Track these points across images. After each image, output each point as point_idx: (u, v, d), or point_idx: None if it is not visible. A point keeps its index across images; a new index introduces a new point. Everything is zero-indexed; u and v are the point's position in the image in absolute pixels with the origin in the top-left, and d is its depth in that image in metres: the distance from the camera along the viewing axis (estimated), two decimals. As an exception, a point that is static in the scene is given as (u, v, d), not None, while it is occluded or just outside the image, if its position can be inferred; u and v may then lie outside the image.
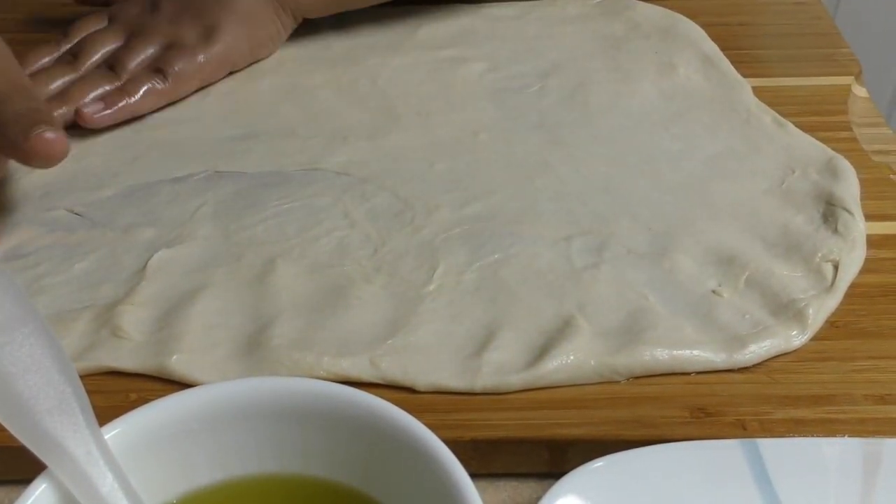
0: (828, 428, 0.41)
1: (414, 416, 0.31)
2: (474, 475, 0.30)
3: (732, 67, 0.64)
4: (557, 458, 0.41)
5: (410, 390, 0.43)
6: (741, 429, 0.41)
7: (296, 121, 0.60)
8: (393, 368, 0.43)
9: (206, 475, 0.32)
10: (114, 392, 0.43)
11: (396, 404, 0.32)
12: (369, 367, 0.43)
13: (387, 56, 0.66)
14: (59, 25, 0.66)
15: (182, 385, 0.43)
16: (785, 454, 0.38)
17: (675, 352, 0.44)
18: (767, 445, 0.38)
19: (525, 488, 0.41)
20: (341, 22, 0.69)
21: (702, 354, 0.44)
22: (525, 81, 0.63)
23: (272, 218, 0.52)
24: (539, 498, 0.36)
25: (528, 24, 0.69)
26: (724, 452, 0.38)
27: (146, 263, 0.49)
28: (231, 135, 0.58)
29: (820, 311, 0.46)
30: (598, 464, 0.37)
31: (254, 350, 0.44)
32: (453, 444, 0.30)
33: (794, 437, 0.41)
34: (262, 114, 0.60)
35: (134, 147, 0.58)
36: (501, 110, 0.60)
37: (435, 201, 0.53)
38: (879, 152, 0.56)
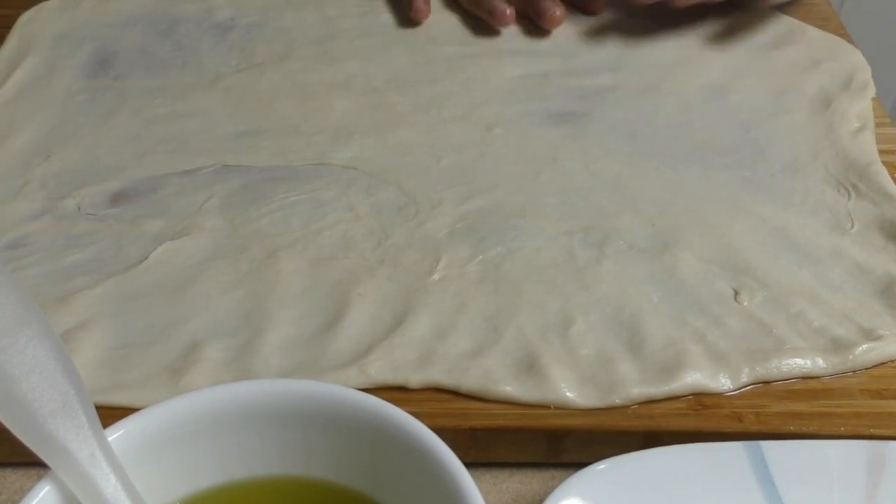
0: (824, 422, 0.42)
1: (412, 405, 0.31)
2: (473, 465, 0.30)
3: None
4: (555, 447, 0.42)
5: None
6: (737, 421, 0.41)
7: (304, 116, 0.59)
8: (384, 373, 0.43)
9: (209, 477, 0.32)
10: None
11: (395, 394, 0.31)
12: (358, 374, 0.43)
13: (404, 49, 0.66)
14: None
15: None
16: (788, 456, 0.38)
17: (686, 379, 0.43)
18: (771, 448, 0.38)
19: (528, 490, 0.41)
20: (355, 17, 0.69)
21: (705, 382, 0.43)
22: (560, 74, 0.63)
23: (278, 211, 0.52)
24: (543, 498, 0.36)
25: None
26: (728, 455, 0.38)
27: (149, 255, 0.49)
28: (238, 130, 0.58)
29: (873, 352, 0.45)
30: (602, 466, 0.37)
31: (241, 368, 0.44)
32: (451, 433, 0.30)
33: (790, 429, 0.41)
34: (269, 109, 0.60)
35: (142, 141, 0.57)
36: (520, 104, 0.60)
37: (439, 196, 0.53)
38: (885, 152, 0.56)
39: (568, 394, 0.42)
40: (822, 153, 0.56)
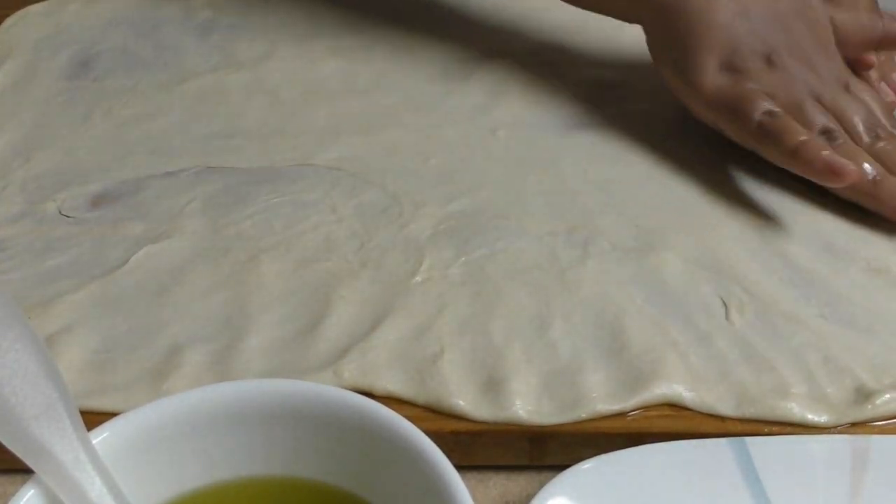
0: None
1: (394, 408, 0.31)
2: (457, 468, 0.30)
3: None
4: (538, 450, 0.41)
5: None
6: (719, 421, 0.41)
7: (288, 116, 0.59)
8: (356, 376, 0.43)
9: (195, 478, 0.32)
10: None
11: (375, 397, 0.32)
12: (332, 377, 0.42)
13: (393, 49, 0.66)
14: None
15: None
16: (773, 452, 0.38)
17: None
18: (756, 444, 0.39)
19: (515, 486, 0.41)
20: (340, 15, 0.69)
21: (706, 404, 0.42)
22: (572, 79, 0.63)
23: (260, 213, 0.51)
24: (529, 495, 0.36)
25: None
26: (713, 451, 0.38)
27: (129, 258, 0.49)
28: (221, 131, 0.58)
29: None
30: (588, 464, 0.37)
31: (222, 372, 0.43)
32: (434, 436, 0.30)
33: (773, 430, 0.41)
34: (252, 110, 0.60)
35: (124, 142, 0.57)
36: (532, 107, 0.60)
37: (423, 196, 0.53)
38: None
39: (521, 412, 0.41)
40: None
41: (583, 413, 0.41)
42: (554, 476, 0.37)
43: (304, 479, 0.32)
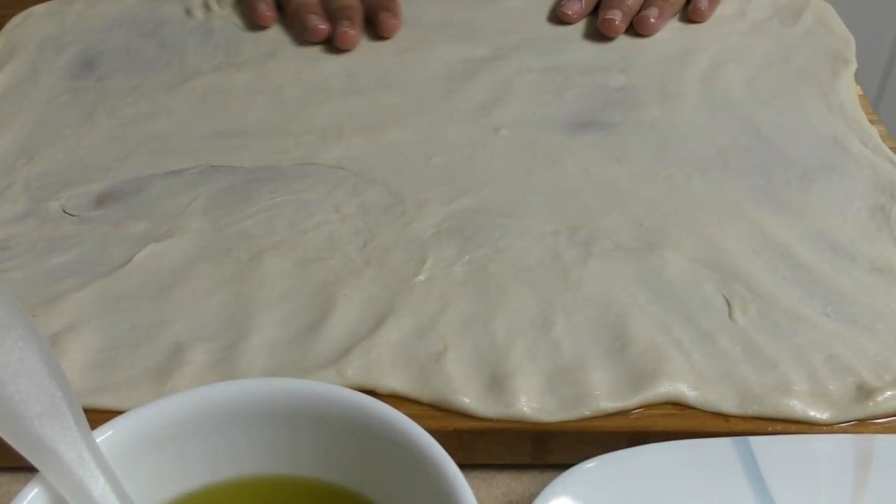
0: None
1: (398, 407, 0.31)
2: (460, 466, 0.30)
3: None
4: (540, 448, 0.42)
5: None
6: (723, 420, 0.41)
7: (291, 116, 0.59)
8: (360, 375, 0.43)
9: (198, 477, 0.32)
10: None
11: (378, 395, 0.31)
12: (336, 375, 0.42)
13: (395, 48, 0.66)
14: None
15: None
16: (777, 452, 0.38)
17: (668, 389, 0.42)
18: (759, 443, 0.39)
19: (518, 485, 0.41)
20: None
21: (709, 401, 0.42)
22: (579, 76, 0.63)
23: (263, 212, 0.52)
24: (532, 494, 0.36)
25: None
26: (717, 451, 0.38)
27: (133, 257, 0.49)
28: (224, 130, 0.58)
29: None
30: (591, 464, 0.37)
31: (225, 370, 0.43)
32: (437, 435, 0.30)
33: (777, 428, 0.41)
34: (255, 109, 0.60)
35: (127, 141, 0.57)
36: (535, 106, 0.60)
37: (426, 195, 0.53)
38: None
39: (525, 409, 0.41)
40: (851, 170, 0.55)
41: (586, 410, 0.41)
42: (557, 475, 0.37)
43: (307, 478, 0.32)
